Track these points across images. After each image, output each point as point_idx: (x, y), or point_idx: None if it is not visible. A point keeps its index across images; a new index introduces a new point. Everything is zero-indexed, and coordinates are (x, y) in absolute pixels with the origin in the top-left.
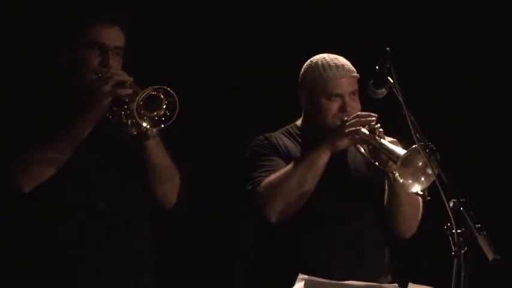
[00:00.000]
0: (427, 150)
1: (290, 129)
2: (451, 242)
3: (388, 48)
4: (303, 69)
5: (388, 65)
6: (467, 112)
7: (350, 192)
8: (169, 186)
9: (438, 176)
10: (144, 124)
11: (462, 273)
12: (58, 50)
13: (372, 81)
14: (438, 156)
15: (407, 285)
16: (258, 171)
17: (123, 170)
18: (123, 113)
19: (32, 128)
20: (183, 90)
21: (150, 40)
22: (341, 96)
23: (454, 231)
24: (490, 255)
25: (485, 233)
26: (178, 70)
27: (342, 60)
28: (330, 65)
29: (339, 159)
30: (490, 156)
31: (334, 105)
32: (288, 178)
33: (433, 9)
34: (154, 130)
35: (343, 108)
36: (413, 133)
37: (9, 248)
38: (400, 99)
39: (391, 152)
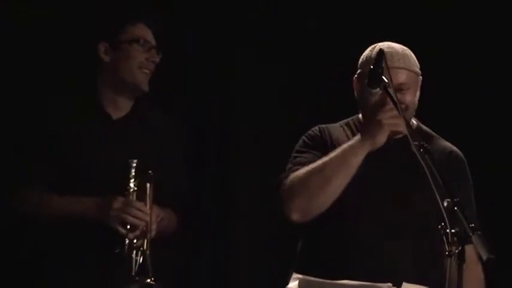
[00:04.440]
0: (421, 150)
1: (350, 122)
2: (445, 242)
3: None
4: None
5: (383, 65)
6: (463, 111)
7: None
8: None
9: (432, 176)
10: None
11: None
12: (94, 44)
13: (366, 80)
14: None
15: (401, 284)
16: (293, 164)
17: None
18: None
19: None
20: (181, 90)
21: None
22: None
23: (448, 230)
24: (484, 255)
25: (479, 232)
26: (178, 70)
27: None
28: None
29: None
30: (487, 155)
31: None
32: (315, 173)
33: (432, 8)
34: None
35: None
36: (408, 133)
37: (20, 245)
38: (395, 99)
39: None
